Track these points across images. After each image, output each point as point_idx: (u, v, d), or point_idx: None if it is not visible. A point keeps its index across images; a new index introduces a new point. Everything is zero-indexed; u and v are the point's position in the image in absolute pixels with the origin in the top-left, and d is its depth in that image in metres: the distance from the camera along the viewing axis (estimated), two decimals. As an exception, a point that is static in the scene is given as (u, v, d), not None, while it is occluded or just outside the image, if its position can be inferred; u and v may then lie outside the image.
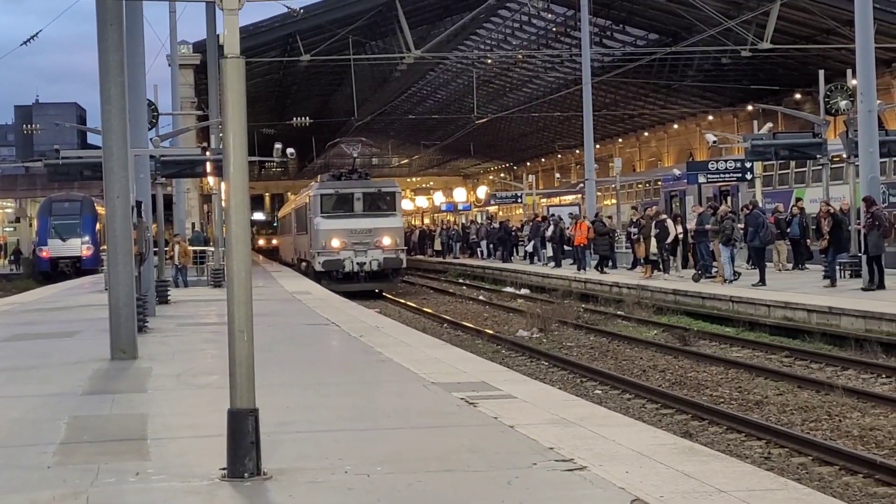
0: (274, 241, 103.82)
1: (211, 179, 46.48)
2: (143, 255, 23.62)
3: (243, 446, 9.41)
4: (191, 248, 45.63)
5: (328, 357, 18.42)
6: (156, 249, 29.99)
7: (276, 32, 57.59)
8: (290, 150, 46.61)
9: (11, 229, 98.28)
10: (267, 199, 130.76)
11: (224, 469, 9.50)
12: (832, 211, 32.52)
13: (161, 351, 19.37)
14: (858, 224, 30.15)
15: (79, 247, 62.95)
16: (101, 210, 54.36)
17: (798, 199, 44.57)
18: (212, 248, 46.29)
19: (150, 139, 32.04)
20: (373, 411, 12.88)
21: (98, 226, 61.08)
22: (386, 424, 12.08)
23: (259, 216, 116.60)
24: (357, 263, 45.48)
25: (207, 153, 35.64)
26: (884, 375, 20.60)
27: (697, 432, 15.90)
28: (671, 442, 11.29)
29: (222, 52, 10.02)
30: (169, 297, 30.96)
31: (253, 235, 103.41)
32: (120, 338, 17.84)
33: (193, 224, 57.20)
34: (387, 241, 46.22)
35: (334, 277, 45.44)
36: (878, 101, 34.09)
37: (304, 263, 53.83)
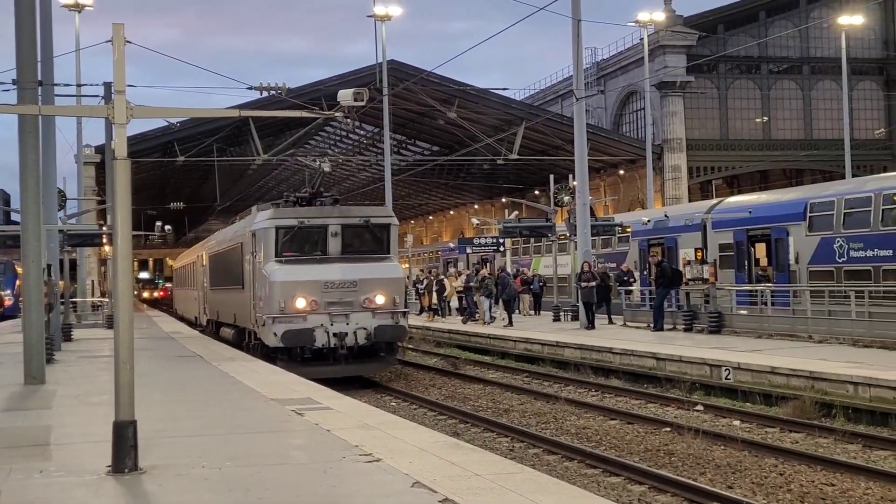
0: (156, 294, 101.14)
1: (107, 248, 45.32)
2: (51, 305, 22.88)
3: (124, 449, 9.27)
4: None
5: (194, 381, 18.03)
6: (62, 300, 29.39)
7: (160, 140, 56.32)
8: (167, 227, 45.86)
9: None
10: (151, 263, 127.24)
11: (109, 466, 9.33)
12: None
13: (64, 377, 18.72)
14: (579, 282, 30.93)
15: (1, 298, 60.21)
16: (19, 270, 52.08)
17: (536, 268, 45.73)
18: (107, 299, 44.95)
19: (59, 218, 31.44)
20: (226, 421, 12.69)
21: (18, 282, 58.60)
22: (235, 430, 11.92)
23: (145, 275, 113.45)
24: (334, 335, 21.32)
25: (104, 228, 34.85)
26: (593, 390, 21.13)
27: (463, 432, 15.99)
28: (444, 440, 11.41)
29: (115, 154, 9.85)
30: (72, 336, 30.02)
31: (140, 289, 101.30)
32: (31, 367, 17.28)
33: (93, 281, 55.12)
34: (380, 298, 21.75)
35: (296, 356, 21.45)
36: (591, 198, 35.22)
37: (232, 331, 28.00)
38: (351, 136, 75.79)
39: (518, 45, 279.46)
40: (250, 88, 14.85)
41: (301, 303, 21.04)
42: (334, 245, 21.88)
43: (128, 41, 9.91)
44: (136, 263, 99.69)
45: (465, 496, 8.08)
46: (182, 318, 47.15)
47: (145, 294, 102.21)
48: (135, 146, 46.78)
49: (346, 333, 21.08)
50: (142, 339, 28.32)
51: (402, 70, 53.86)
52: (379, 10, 47.43)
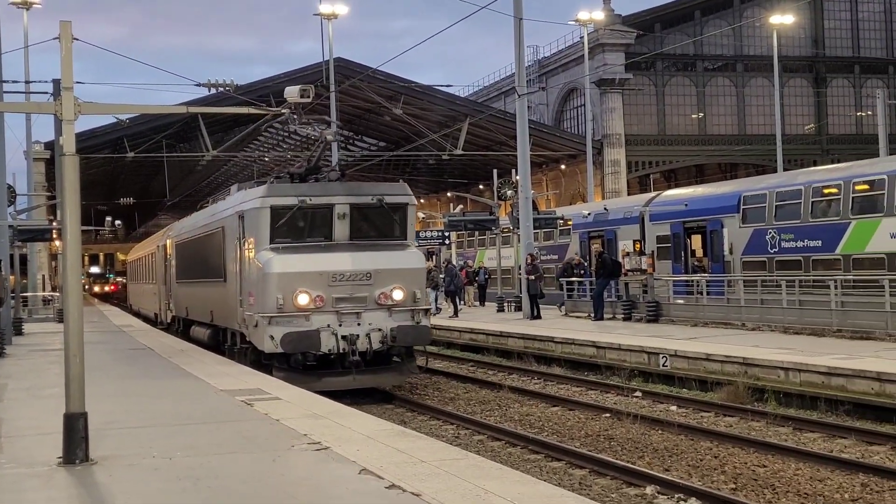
0: (107, 288, 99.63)
1: (57, 243, 44.66)
2: (1, 300, 22.57)
3: (75, 440, 9.19)
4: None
5: (145, 373, 17.84)
6: (13, 295, 28.99)
7: (109, 136, 55.41)
8: (118, 222, 45.35)
9: None
10: (101, 257, 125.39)
11: (60, 458, 9.24)
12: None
13: (15, 370, 18.43)
14: (521, 273, 31.09)
15: None
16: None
17: (481, 260, 45.86)
18: (57, 293, 44.28)
19: (10, 213, 30.95)
20: (176, 412, 12.57)
21: None
22: (186, 422, 11.82)
23: (95, 269, 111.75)
24: (343, 337, 17.21)
25: (54, 223, 34.38)
26: (536, 378, 21.25)
27: (409, 421, 15.99)
28: (390, 428, 11.41)
29: (63, 150, 9.73)
30: (23, 330, 29.61)
31: (90, 283, 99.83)
32: (-18, 362, 16.92)
33: (44, 276, 54.22)
34: (398, 294, 17.70)
35: (297, 363, 17.23)
36: (533, 192, 35.44)
37: (207, 331, 23.29)
38: (298, 131, 75.36)
39: (461, 43, 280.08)
40: (198, 85, 14.86)
41: (304, 299, 16.75)
42: (341, 229, 17.52)
43: (75, 38, 9.78)
44: (86, 258, 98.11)
45: (411, 482, 8.12)
46: (138, 314, 43.72)
47: (96, 288, 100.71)
48: (84, 142, 46.11)
49: (358, 336, 16.93)
50: (93, 333, 27.98)
51: (349, 67, 53.65)
52: (325, 8, 47.19)
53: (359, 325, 17.07)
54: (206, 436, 10.73)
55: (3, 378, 16.94)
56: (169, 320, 31.11)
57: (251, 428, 11.19)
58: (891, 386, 15.45)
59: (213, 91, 15.58)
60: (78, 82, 10.13)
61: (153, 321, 35.56)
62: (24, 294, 41.92)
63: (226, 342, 21.15)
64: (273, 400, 13.36)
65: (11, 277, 30.01)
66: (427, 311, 18.05)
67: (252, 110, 14.51)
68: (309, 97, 12.52)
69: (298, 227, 17.49)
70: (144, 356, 21.29)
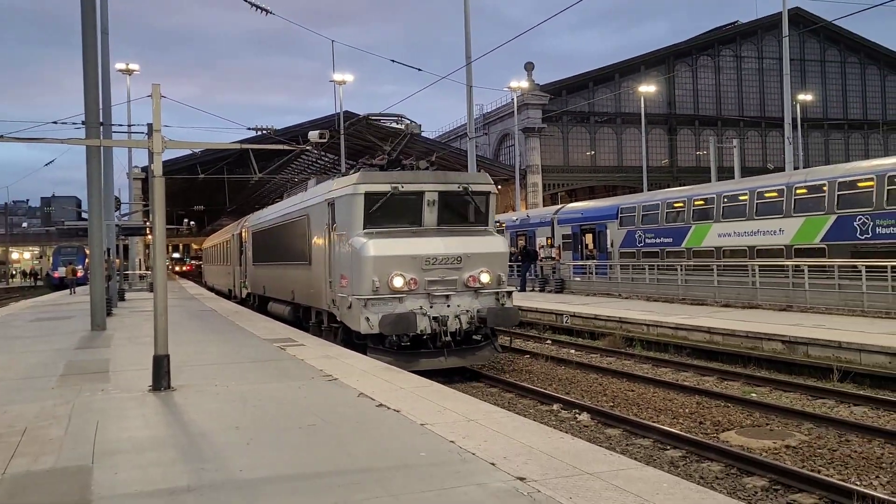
0: (185, 268, 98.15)
1: (149, 237, 43.97)
2: (110, 276, 22.19)
3: (161, 374, 9.05)
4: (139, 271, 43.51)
5: (210, 328, 17.58)
6: (118, 273, 28.62)
7: (186, 163, 54.73)
8: (192, 222, 44.44)
9: (37, 262, 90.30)
10: (181, 246, 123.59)
11: (150, 386, 9.12)
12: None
13: (119, 325, 18.07)
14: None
15: (76, 270, 58.14)
16: (87, 252, 50.05)
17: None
18: (149, 272, 43.66)
19: (116, 216, 30.52)
20: (232, 355, 12.36)
21: (87, 260, 56.43)
22: (239, 361, 11.60)
23: (176, 255, 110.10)
24: (434, 319, 12.67)
25: (147, 224, 33.88)
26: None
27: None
28: (380, 365, 11.22)
29: (153, 173, 9.56)
30: (126, 297, 29.16)
31: (172, 265, 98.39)
32: (96, 319, 16.70)
33: (139, 260, 53.36)
34: (485, 276, 13.07)
35: (390, 344, 12.80)
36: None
37: (286, 307, 19.05)
38: (318, 161, 74.63)
39: (430, 101, 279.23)
40: (248, 129, 14.63)
41: (398, 282, 12.77)
42: (430, 215, 13.41)
43: (163, 96, 9.62)
44: (169, 247, 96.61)
45: (393, 402, 8.09)
46: (212, 289, 38.14)
47: (177, 269, 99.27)
48: (168, 167, 45.32)
49: (448, 317, 12.92)
50: (174, 299, 27.61)
51: (353, 116, 53.27)
52: (337, 76, 46.93)
53: (448, 307, 12.97)
54: (252, 371, 10.58)
55: (111, 331, 16.63)
56: (244, 296, 26.24)
57: (285, 365, 11.06)
58: (717, 336, 15.65)
59: (259, 133, 15.32)
60: (165, 125, 9.98)
61: (226, 295, 31.09)
62: (126, 272, 41.45)
63: (308, 319, 16.76)
64: (300, 346, 13.19)
65: (117, 261, 29.70)
66: (510, 293, 13.62)
67: (285, 147, 14.33)
68: (325, 138, 12.39)
69: (390, 213, 13.26)
70: (210, 316, 21.01)
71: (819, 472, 7.57)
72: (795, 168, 28.87)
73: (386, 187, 13.16)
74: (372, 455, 6.01)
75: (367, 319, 12.61)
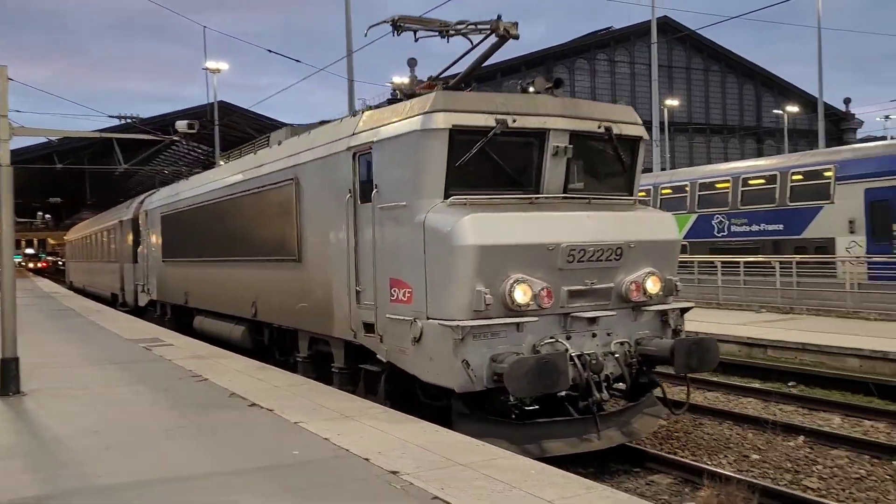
0: (39, 265, 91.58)
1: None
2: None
3: (9, 378, 8.50)
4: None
5: (69, 327, 16.53)
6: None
7: (42, 151, 51.16)
8: (47, 216, 41.65)
9: None
10: (35, 241, 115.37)
11: (-3, 391, 8.45)
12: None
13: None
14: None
15: None
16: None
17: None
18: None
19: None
20: (92, 356, 11.75)
21: None
22: (99, 362, 11.05)
23: (30, 251, 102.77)
24: (578, 358, 5.65)
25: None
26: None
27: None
28: (255, 365, 11.00)
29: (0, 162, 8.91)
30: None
31: (26, 261, 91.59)
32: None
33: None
34: (653, 284, 6.43)
35: (499, 409, 5.69)
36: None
37: (239, 329, 11.92)
38: (192, 153, 71.73)
39: (309, 95, 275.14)
40: (111, 117, 13.88)
41: (522, 294, 6.70)
42: (556, 173, 7.40)
43: (10, 78, 8.96)
44: (22, 242, 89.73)
45: (266, 401, 7.95)
46: (82, 291, 32.12)
47: (31, 265, 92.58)
48: (20, 156, 42.18)
49: (596, 355, 7.03)
50: (28, 298, 25.80)
51: (229, 107, 51.63)
52: (210, 64, 45.38)
53: (594, 336, 7.23)
54: (115, 373, 10.09)
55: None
56: (144, 304, 19.39)
57: (149, 366, 10.62)
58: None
59: (124, 121, 14.57)
60: (16, 111, 9.31)
61: (109, 302, 23.86)
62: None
63: (290, 350, 10.64)
64: (167, 346, 12.70)
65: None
66: (684, 310, 7.87)
67: (151, 137, 13.72)
68: (195, 129, 11.97)
69: (489, 169, 7.23)
70: (68, 315, 19.79)
71: (675, 454, 8.12)
72: (663, 169, 30.61)
73: (488, 119, 7.09)
74: (242, 456, 5.90)
75: (467, 365, 6.55)
